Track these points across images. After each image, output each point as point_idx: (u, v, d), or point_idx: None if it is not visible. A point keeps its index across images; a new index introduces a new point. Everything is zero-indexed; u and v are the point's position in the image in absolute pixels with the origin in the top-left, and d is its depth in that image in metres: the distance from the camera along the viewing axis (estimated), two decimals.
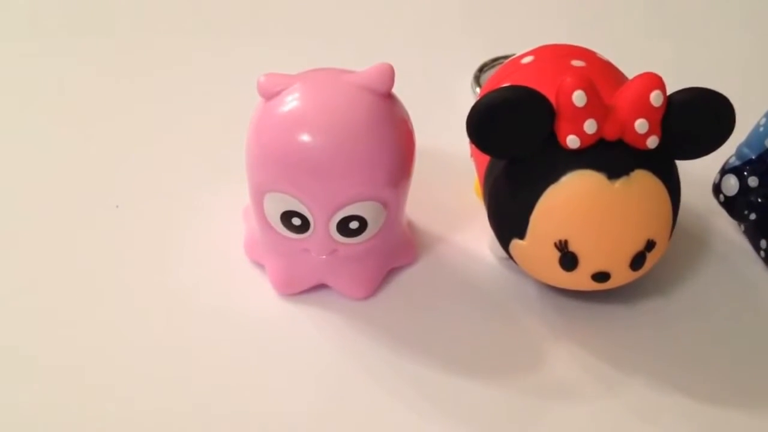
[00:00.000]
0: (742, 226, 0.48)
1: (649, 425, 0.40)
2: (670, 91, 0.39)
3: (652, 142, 0.39)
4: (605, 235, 0.39)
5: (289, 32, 0.62)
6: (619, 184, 0.39)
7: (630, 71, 0.42)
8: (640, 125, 0.38)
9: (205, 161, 0.51)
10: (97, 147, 0.53)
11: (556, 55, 0.45)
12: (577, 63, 0.43)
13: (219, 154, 0.50)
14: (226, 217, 0.47)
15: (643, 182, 0.39)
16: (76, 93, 0.57)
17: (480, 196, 0.46)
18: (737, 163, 0.46)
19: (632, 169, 0.39)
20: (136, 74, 0.58)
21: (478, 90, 0.55)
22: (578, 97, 0.38)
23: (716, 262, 0.47)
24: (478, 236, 0.47)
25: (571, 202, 0.39)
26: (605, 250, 0.40)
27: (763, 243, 0.46)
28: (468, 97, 0.55)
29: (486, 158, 0.43)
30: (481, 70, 0.57)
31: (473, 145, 0.41)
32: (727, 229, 0.48)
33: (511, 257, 0.43)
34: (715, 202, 0.48)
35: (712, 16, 0.65)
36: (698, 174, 0.47)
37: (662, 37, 0.63)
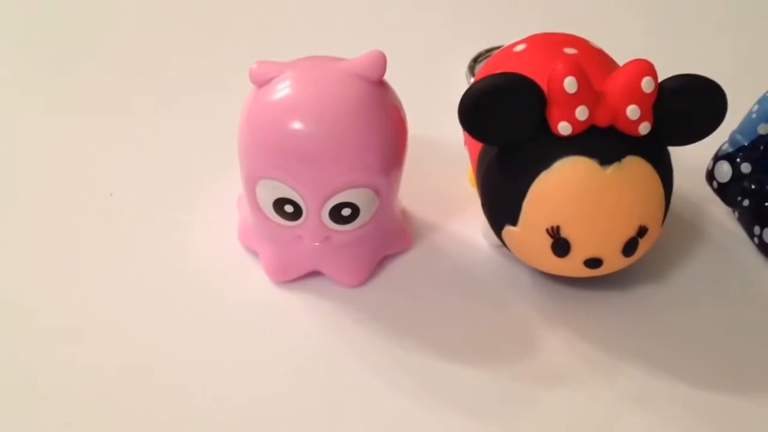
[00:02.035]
0: (736, 213, 0.48)
1: (643, 411, 0.40)
2: (662, 77, 0.39)
3: (644, 128, 0.39)
4: (597, 221, 0.39)
5: (282, 20, 0.62)
6: (611, 170, 0.39)
7: (623, 59, 0.42)
8: (632, 111, 0.38)
9: (199, 149, 0.52)
10: (91, 135, 0.53)
11: (549, 42, 0.45)
12: (569, 51, 0.43)
13: (213, 142, 0.50)
14: (220, 205, 0.48)
15: (634, 168, 0.39)
16: (71, 83, 0.57)
17: (474, 185, 0.46)
18: (730, 149, 0.46)
19: (624, 156, 0.39)
20: (130, 63, 0.58)
21: (472, 80, 0.55)
22: (569, 84, 0.38)
23: (710, 248, 0.47)
24: (472, 224, 0.47)
25: (563, 188, 0.39)
26: (597, 236, 0.40)
27: (756, 229, 0.46)
28: (463, 88, 0.54)
29: (479, 146, 0.43)
30: (476, 60, 0.57)
31: (467, 134, 0.41)
32: (721, 216, 0.49)
33: (504, 244, 0.43)
34: (709, 188, 0.48)
35: (705, 3, 0.65)
36: (692, 161, 0.48)
37: (655, 24, 0.63)
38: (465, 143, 0.46)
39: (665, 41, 0.60)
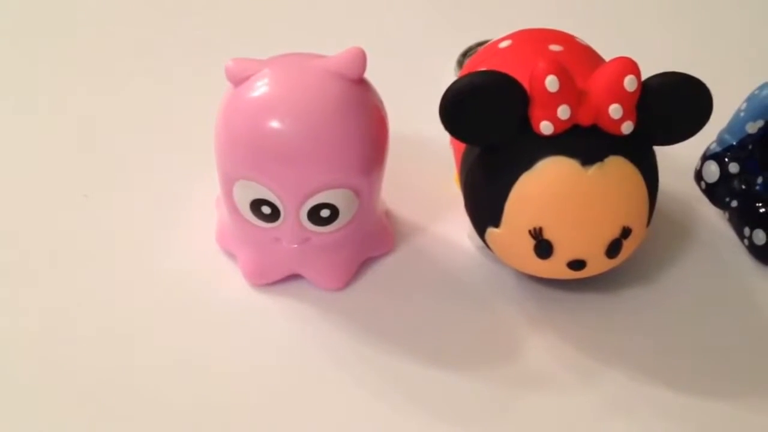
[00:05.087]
0: (727, 214, 0.48)
1: (628, 415, 0.41)
2: (647, 75, 0.40)
3: (627, 127, 0.40)
4: (580, 222, 0.40)
5: (260, 16, 0.63)
6: (593, 170, 0.40)
7: (610, 56, 0.42)
8: (615, 110, 0.39)
9: (176, 149, 0.52)
10: (65, 135, 0.54)
11: (534, 39, 0.46)
12: (554, 48, 0.44)
13: (190, 142, 0.51)
14: (198, 207, 0.48)
15: (617, 168, 0.40)
16: (43, 81, 0.58)
17: (459, 186, 0.47)
18: (718, 149, 0.47)
19: (606, 155, 0.40)
20: (105, 62, 0.59)
21: None
22: (551, 83, 0.39)
23: (699, 250, 0.48)
24: (457, 225, 0.48)
25: (545, 189, 0.40)
26: (580, 238, 0.41)
27: (746, 231, 0.47)
28: None
29: (463, 146, 0.43)
30: (465, 55, 0.58)
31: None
32: (711, 217, 0.49)
33: (487, 246, 0.43)
34: (699, 189, 0.48)
35: (693, 1, 0.65)
36: (682, 160, 0.49)
37: (643, 22, 0.64)
38: (450, 142, 0.47)
39: (652, 38, 0.61)
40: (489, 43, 0.48)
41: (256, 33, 0.61)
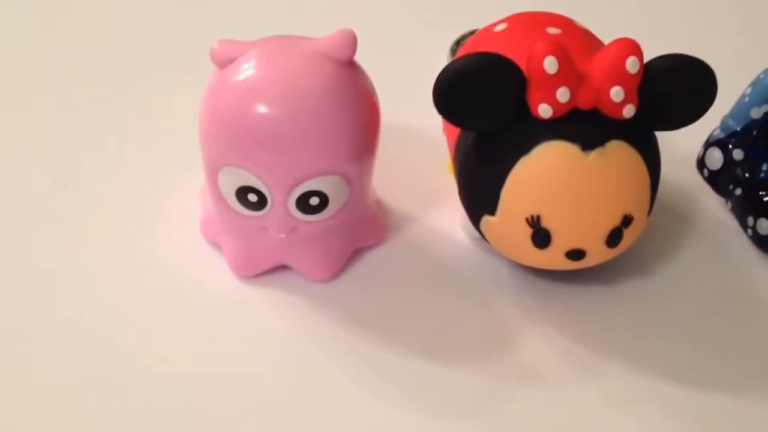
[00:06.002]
0: (729, 203, 0.48)
1: (627, 410, 0.41)
2: (650, 57, 0.39)
3: (629, 111, 0.39)
4: (579, 209, 0.40)
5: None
6: (594, 155, 0.39)
7: (610, 40, 0.42)
8: (616, 93, 0.39)
9: (159, 136, 0.52)
10: (45, 122, 0.53)
11: (531, 22, 0.45)
12: (552, 30, 0.43)
13: (174, 129, 0.50)
14: (181, 196, 0.48)
15: (618, 153, 0.39)
16: (25, 65, 0.57)
17: (453, 174, 0.46)
18: (722, 135, 0.47)
19: (607, 140, 0.39)
20: (87, 44, 0.59)
21: None
22: (550, 64, 0.38)
23: (701, 240, 0.47)
24: (450, 215, 0.47)
25: (543, 175, 0.39)
26: (579, 226, 0.40)
27: (750, 220, 0.46)
28: None
29: (457, 132, 0.43)
30: (458, 43, 0.57)
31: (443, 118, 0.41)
32: (713, 206, 0.49)
33: (483, 236, 0.43)
34: (700, 177, 0.48)
35: None
36: (683, 147, 0.48)
37: (646, 2, 0.63)
38: (443, 129, 0.46)
39: (655, 20, 0.61)
40: (484, 27, 0.47)
41: (242, 14, 0.60)
